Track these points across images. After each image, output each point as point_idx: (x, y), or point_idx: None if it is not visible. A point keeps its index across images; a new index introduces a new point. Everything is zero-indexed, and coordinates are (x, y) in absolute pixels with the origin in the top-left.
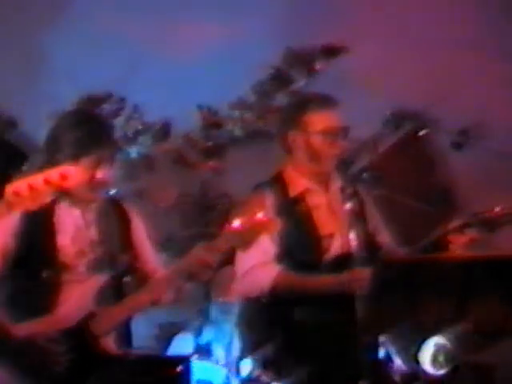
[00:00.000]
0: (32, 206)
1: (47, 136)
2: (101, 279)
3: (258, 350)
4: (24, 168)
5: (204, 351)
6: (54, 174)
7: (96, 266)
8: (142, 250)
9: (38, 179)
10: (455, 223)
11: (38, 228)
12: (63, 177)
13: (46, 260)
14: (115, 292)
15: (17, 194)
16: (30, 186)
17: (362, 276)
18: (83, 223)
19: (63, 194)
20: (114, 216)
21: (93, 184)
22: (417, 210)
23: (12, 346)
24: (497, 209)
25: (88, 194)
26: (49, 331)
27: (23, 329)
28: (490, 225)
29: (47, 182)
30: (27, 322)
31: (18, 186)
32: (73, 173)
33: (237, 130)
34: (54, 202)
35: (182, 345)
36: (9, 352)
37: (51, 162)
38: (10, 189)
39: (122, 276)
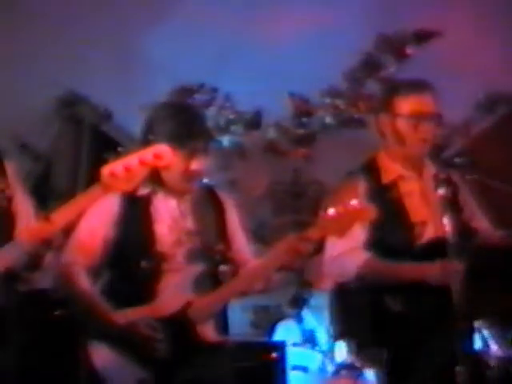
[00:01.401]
0: (127, 186)
1: (142, 127)
2: (198, 268)
3: (349, 336)
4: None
5: (307, 338)
6: (148, 154)
7: (193, 256)
8: (236, 239)
9: (133, 160)
10: None
11: (137, 218)
12: (157, 156)
13: (145, 249)
14: (211, 281)
15: (113, 175)
16: (126, 167)
17: (454, 270)
18: (179, 213)
19: (159, 184)
20: (210, 206)
21: (187, 175)
22: (509, 195)
23: (114, 333)
24: None
25: (183, 184)
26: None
27: (125, 317)
28: None
29: (142, 162)
30: (128, 310)
31: (114, 167)
32: (166, 152)
33: (328, 117)
34: (151, 193)
35: (284, 332)
36: (111, 338)
37: None
38: (106, 171)
39: (218, 265)
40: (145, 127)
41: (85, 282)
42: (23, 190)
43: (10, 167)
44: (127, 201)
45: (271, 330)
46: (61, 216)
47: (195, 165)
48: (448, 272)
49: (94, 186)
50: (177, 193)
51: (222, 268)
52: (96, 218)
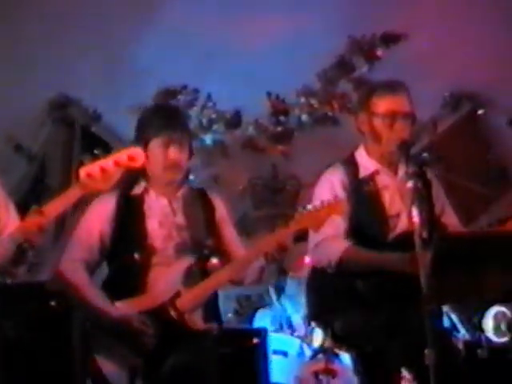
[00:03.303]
0: (104, 186)
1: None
2: (187, 261)
3: (324, 319)
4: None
5: (284, 324)
6: (122, 155)
7: (183, 250)
8: (227, 235)
9: (108, 162)
10: None
11: (130, 215)
12: (131, 158)
13: (137, 243)
14: (200, 274)
15: (89, 176)
16: (102, 168)
17: (422, 261)
18: (170, 210)
19: (145, 179)
20: (200, 205)
21: (167, 164)
22: (473, 189)
23: (109, 324)
24: None
25: (165, 175)
26: (142, 310)
27: (119, 308)
28: None
29: (117, 163)
30: (122, 301)
31: (91, 168)
32: (139, 154)
33: (303, 115)
34: (143, 192)
35: (263, 318)
36: (106, 328)
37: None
38: (83, 172)
39: (207, 259)
40: (137, 127)
41: (84, 277)
42: (3, 192)
43: None
44: (122, 199)
45: (252, 317)
46: (51, 210)
47: (172, 153)
48: (417, 261)
49: (72, 187)
50: (165, 188)
51: (211, 262)
52: (93, 217)
